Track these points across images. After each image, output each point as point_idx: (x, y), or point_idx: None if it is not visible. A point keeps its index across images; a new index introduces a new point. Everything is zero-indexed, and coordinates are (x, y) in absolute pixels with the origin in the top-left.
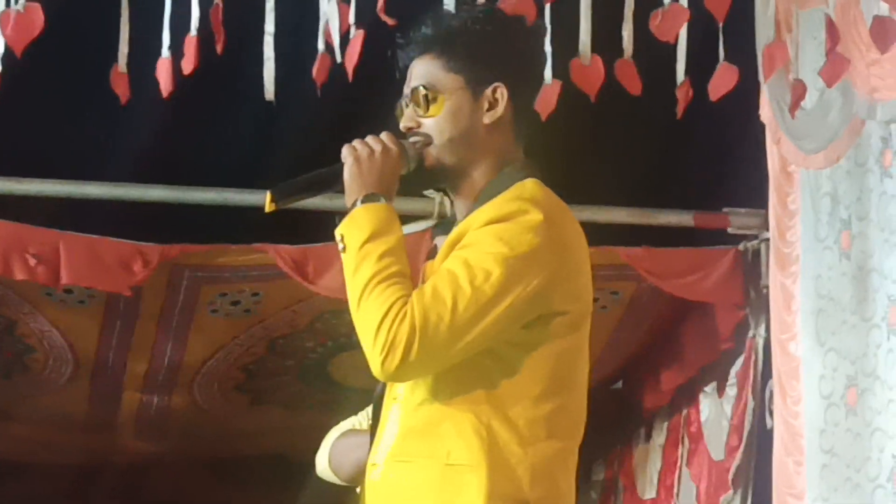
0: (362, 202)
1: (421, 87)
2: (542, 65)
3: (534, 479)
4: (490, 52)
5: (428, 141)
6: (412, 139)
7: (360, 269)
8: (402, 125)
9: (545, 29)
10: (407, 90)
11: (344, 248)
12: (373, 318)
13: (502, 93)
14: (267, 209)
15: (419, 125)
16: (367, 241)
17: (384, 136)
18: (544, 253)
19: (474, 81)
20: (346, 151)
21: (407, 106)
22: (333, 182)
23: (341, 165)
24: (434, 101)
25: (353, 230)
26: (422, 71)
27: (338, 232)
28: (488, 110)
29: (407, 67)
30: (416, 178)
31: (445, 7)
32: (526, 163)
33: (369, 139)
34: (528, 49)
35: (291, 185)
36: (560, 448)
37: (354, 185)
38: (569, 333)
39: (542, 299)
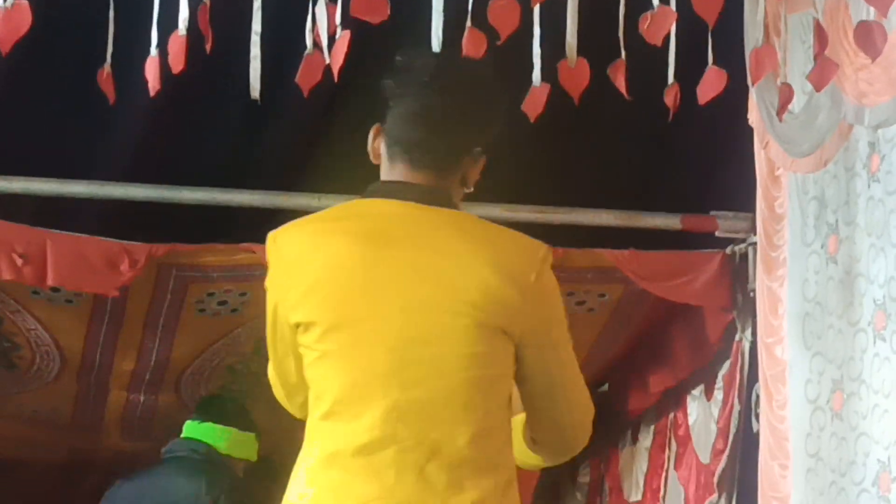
0: None
1: None
2: (417, 102)
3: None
4: (383, 93)
5: None
6: None
7: None
8: None
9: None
10: None
11: None
12: None
13: (375, 132)
14: None
15: None
16: None
17: None
18: (272, 276)
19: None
20: None
21: None
22: None
23: None
24: None
25: None
26: None
27: None
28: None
29: None
30: None
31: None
32: (374, 184)
33: None
34: (403, 87)
35: None
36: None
37: None
38: (324, 343)
39: (284, 317)
